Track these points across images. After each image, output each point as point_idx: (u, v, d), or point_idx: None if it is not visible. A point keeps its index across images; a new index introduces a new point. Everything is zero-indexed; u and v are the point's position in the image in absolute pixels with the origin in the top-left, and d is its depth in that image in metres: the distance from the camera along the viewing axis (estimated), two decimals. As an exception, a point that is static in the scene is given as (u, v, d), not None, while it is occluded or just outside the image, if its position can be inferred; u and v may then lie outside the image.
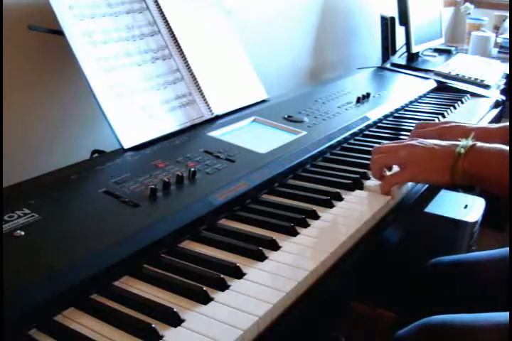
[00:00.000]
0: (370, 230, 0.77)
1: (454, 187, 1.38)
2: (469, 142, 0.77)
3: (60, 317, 0.55)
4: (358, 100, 1.28)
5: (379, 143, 1.08)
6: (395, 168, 0.87)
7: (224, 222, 0.76)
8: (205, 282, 0.60)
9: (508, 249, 0.98)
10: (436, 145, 0.80)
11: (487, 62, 1.98)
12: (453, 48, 2.19)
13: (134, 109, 0.92)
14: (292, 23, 1.66)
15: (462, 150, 0.75)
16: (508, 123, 0.97)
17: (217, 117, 1.07)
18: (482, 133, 0.95)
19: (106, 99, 0.88)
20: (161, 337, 0.52)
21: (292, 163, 0.90)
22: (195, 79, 1.04)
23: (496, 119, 1.42)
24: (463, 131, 0.95)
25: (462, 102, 1.44)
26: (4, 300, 0.50)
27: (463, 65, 1.85)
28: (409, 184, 0.89)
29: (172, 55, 1.02)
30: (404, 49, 1.88)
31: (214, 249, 0.68)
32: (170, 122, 0.97)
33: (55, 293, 0.54)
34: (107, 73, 0.90)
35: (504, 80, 1.82)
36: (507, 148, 0.75)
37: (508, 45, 2.26)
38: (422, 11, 1.91)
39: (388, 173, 0.86)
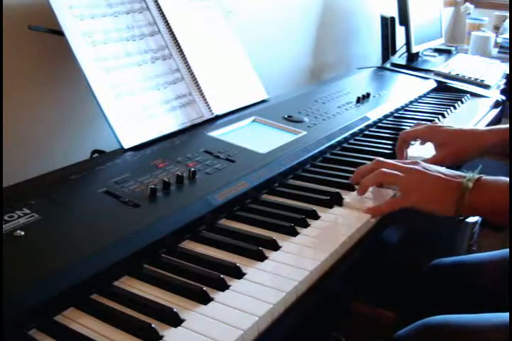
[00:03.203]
0: (370, 230, 0.77)
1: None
2: (475, 175, 0.76)
3: (60, 317, 0.55)
4: (358, 100, 1.28)
5: (379, 142, 1.08)
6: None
7: (224, 221, 0.76)
8: (205, 282, 0.60)
9: (508, 250, 0.98)
10: (442, 174, 0.78)
11: (487, 62, 1.97)
12: (453, 48, 2.19)
13: (134, 109, 0.92)
14: (292, 23, 1.66)
15: (470, 185, 0.74)
16: (495, 127, 0.97)
17: (217, 117, 1.07)
18: (473, 137, 0.95)
19: (106, 99, 0.88)
20: (161, 337, 0.52)
21: (292, 163, 0.90)
22: (195, 79, 1.04)
23: (496, 119, 1.42)
24: (452, 133, 0.95)
25: (462, 102, 1.44)
26: (4, 300, 0.50)
27: (463, 64, 1.85)
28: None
29: (172, 55, 1.02)
30: (404, 49, 1.88)
31: (214, 249, 0.68)
32: (170, 122, 0.97)
33: (55, 293, 0.54)
34: (107, 73, 0.90)
35: (504, 80, 1.82)
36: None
37: (508, 45, 2.26)
38: (422, 11, 1.91)
39: (388, 197, 0.84)
